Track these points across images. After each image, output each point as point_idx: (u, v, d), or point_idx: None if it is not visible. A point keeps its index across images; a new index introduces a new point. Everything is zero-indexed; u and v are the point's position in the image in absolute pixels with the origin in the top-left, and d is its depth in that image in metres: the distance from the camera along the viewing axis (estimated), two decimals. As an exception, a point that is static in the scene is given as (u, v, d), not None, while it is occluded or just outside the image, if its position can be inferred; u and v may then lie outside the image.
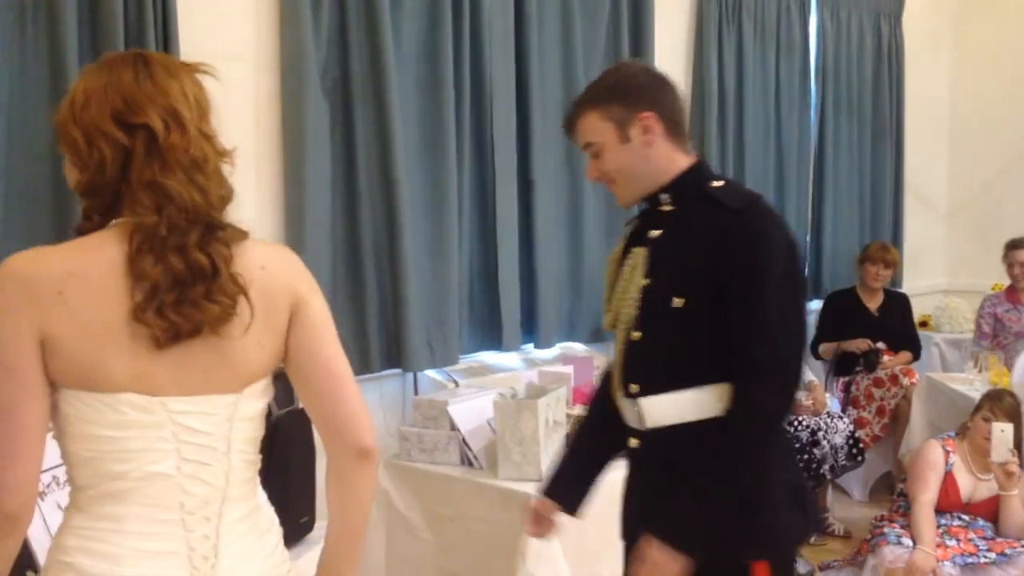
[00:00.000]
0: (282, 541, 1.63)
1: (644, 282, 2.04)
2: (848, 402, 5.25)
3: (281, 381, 2.52)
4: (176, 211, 1.40)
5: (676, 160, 2.07)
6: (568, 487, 2.26)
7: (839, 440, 4.56)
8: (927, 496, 3.80)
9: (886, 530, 3.85)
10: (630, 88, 2.05)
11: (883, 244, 5.63)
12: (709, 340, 1.96)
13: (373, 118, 3.70)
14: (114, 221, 1.42)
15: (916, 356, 5.47)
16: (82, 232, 1.44)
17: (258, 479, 1.59)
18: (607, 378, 2.25)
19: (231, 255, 1.45)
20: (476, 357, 4.24)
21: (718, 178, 2.09)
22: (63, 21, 2.96)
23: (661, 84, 2.09)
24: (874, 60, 6.15)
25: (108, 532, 1.42)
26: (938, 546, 3.68)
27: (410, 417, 3.64)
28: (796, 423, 4.53)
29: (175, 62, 1.48)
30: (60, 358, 1.37)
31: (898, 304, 5.61)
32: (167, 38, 3.16)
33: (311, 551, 2.56)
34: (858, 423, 5.05)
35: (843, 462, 4.60)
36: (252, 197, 3.54)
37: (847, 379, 5.33)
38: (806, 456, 4.20)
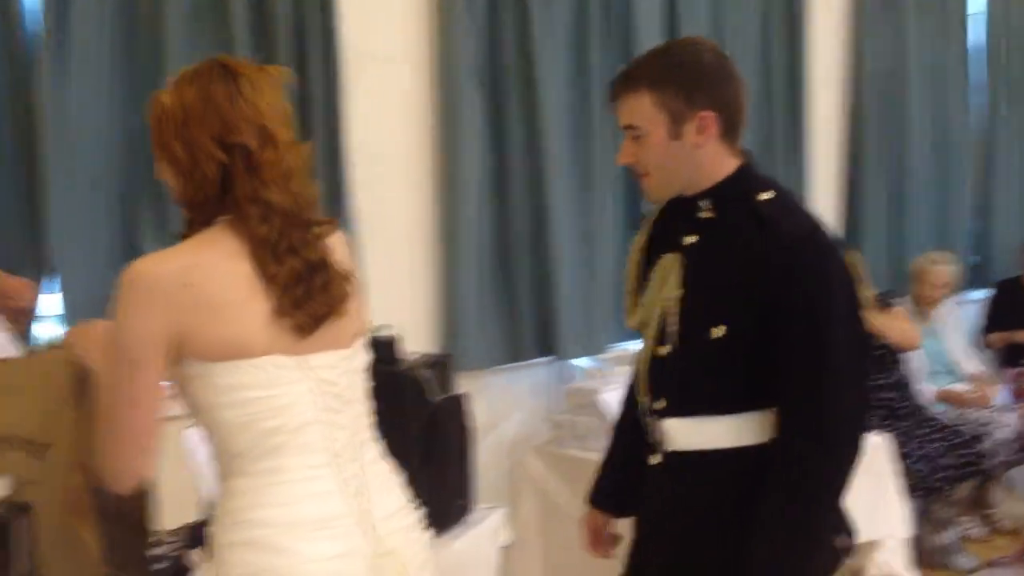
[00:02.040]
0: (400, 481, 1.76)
1: (677, 293, 1.87)
2: (1019, 394, 5.02)
3: (436, 368, 2.63)
4: (280, 219, 1.54)
5: (724, 163, 1.86)
6: (614, 491, 2.14)
7: (1006, 434, 4.38)
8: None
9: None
10: (695, 77, 1.81)
11: (1054, 231, 5.37)
12: (748, 370, 1.79)
13: (524, 111, 3.75)
14: (218, 219, 1.56)
15: (1090, 347, 5.20)
16: (186, 238, 1.58)
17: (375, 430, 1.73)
18: (635, 381, 2.06)
19: (329, 246, 1.63)
20: (623, 346, 4.26)
21: (767, 186, 1.87)
22: (232, 25, 3.12)
23: (729, 77, 1.85)
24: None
25: (272, 485, 1.55)
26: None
27: (562, 404, 3.69)
28: (962, 416, 4.38)
29: (257, 73, 1.59)
30: (203, 340, 1.49)
31: (1071, 292, 5.34)
32: (328, 40, 3.29)
33: (468, 532, 2.65)
34: (1029, 416, 4.84)
35: (1010, 457, 4.42)
36: (404, 193, 3.65)
37: (1017, 370, 5.10)
38: (970, 451, 4.05)
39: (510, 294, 3.81)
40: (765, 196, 1.84)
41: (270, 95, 1.58)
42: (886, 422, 4.05)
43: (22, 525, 1.56)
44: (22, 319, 2.53)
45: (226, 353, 1.51)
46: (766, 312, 1.75)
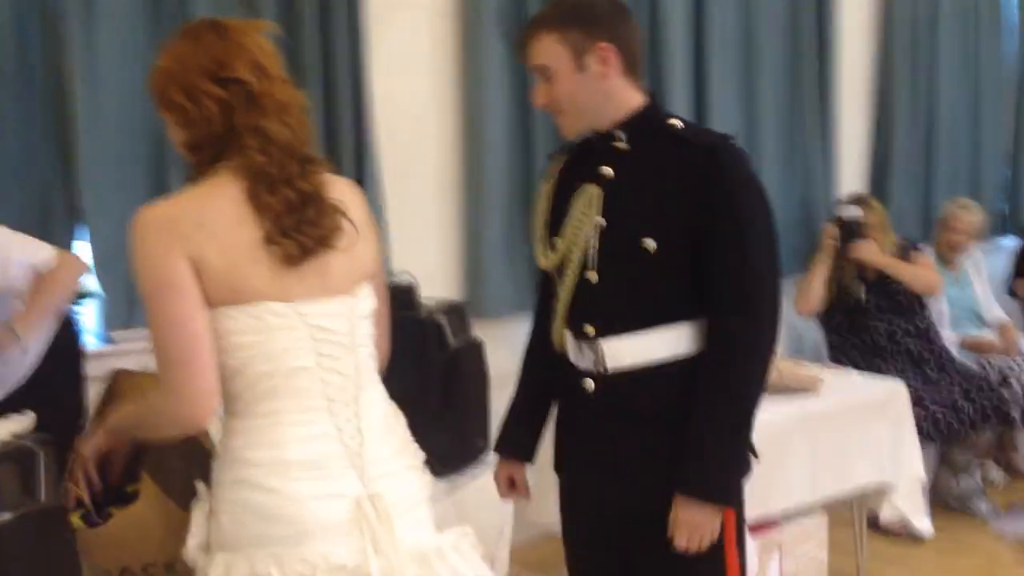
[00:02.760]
0: (404, 423, 1.81)
1: (600, 221, 1.98)
2: (1045, 343, 5.02)
3: (455, 315, 2.71)
4: (278, 150, 1.61)
5: (630, 97, 2.00)
6: (522, 436, 2.22)
7: (1031, 381, 4.39)
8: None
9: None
10: (591, 15, 1.96)
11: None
12: (678, 280, 1.95)
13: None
14: (222, 164, 1.63)
15: (1123, 295, 5.17)
16: (194, 182, 1.66)
17: (378, 375, 1.78)
18: (542, 320, 2.18)
19: (324, 182, 1.68)
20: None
21: (675, 117, 2.03)
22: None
23: (623, 15, 2.00)
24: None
25: (268, 426, 1.62)
26: None
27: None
28: (986, 363, 4.40)
29: (245, 23, 1.69)
30: (209, 278, 1.56)
31: (1103, 240, 5.31)
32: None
33: (487, 472, 2.74)
34: (1055, 364, 4.84)
35: (1034, 404, 4.44)
36: (429, 141, 3.71)
37: (1046, 318, 5.10)
38: (992, 397, 4.07)
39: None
40: (676, 121, 2.00)
41: (259, 38, 1.66)
42: (906, 367, 4.09)
43: (48, 455, 1.66)
44: None
45: (226, 297, 1.57)
46: (692, 217, 1.91)
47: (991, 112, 5.42)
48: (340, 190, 1.72)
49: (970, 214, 4.63)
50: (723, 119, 4.30)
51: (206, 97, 1.59)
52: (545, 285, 2.16)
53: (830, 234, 4.25)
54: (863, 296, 4.22)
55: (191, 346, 1.55)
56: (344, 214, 1.67)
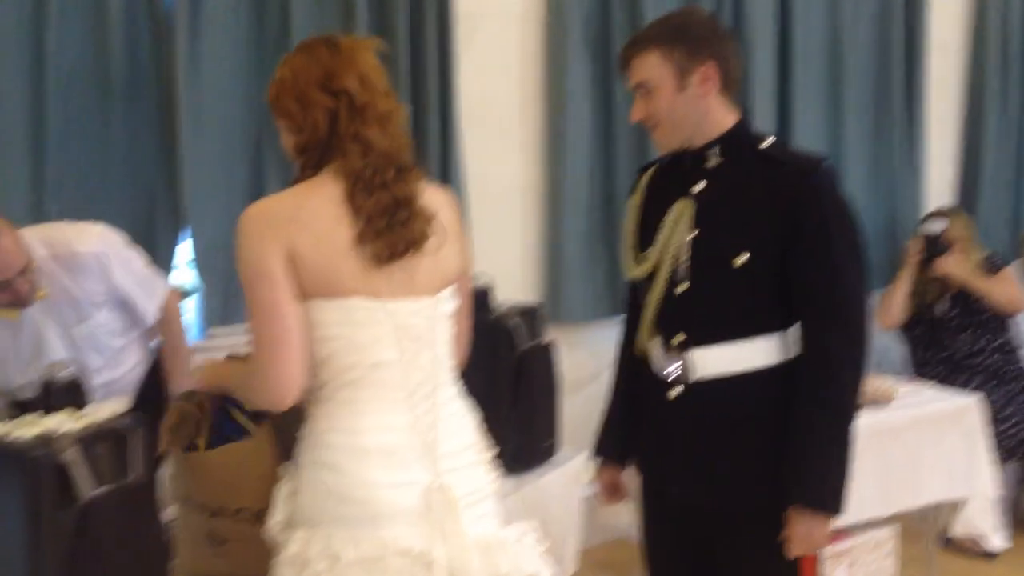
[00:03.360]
0: (477, 425, 1.90)
1: (691, 235, 2.06)
2: None
3: (528, 318, 2.80)
4: (376, 156, 1.74)
5: (725, 115, 2.07)
6: (620, 441, 2.29)
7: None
8: None
9: None
10: (694, 35, 2.04)
11: None
12: (766, 294, 2.02)
13: (631, 71, 3.86)
14: (325, 167, 1.76)
15: None
16: (299, 183, 1.80)
17: (454, 373, 1.88)
18: (631, 328, 2.26)
19: (418, 189, 1.79)
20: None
21: (766, 136, 2.10)
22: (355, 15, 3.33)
23: (724, 36, 2.09)
24: None
25: (349, 413, 1.73)
26: None
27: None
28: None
29: (355, 40, 1.83)
30: (304, 270, 1.69)
31: None
32: (445, 9, 3.48)
33: (554, 471, 2.84)
34: None
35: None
36: (516, 146, 3.83)
37: None
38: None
39: (613, 250, 3.94)
40: (767, 142, 2.08)
41: (367, 54, 1.80)
42: (989, 384, 4.04)
43: (138, 435, 1.81)
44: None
45: (318, 290, 1.69)
46: (783, 235, 2.00)
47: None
48: (432, 197, 1.83)
49: (1059, 230, 4.56)
50: (808, 134, 4.32)
51: (315, 105, 1.74)
52: (634, 294, 2.24)
53: (914, 248, 4.24)
54: (946, 311, 4.19)
55: (281, 333, 1.68)
56: (433, 220, 1.78)
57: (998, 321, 4.20)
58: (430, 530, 1.71)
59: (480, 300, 2.75)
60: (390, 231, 1.72)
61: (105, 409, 1.87)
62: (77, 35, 3.02)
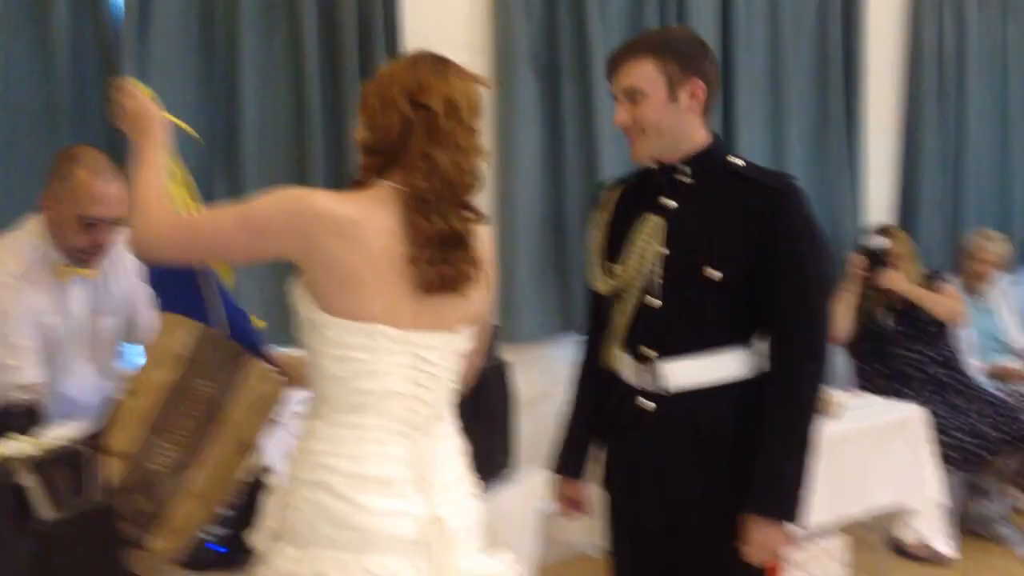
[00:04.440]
0: (469, 461, 1.92)
1: (663, 251, 2.09)
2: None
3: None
4: (440, 182, 1.72)
5: (701, 134, 2.11)
6: (579, 456, 2.31)
7: (1057, 409, 4.43)
8: None
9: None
10: (687, 51, 2.08)
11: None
12: (737, 309, 2.07)
13: (578, 94, 3.94)
14: (387, 182, 1.75)
15: None
16: (360, 186, 1.78)
17: (454, 408, 1.89)
18: (594, 343, 2.28)
19: (474, 232, 1.78)
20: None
21: (736, 156, 2.14)
22: (302, 18, 3.36)
23: (710, 56, 2.13)
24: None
25: (352, 439, 1.73)
26: None
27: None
28: (1011, 390, 4.44)
29: (465, 70, 1.80)
30: (340, 284, 1.69)
31: None
32: (392, 30, 3.52)
33: (509, 490, 2.85)
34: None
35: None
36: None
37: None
38: (1017, 424, 4.10)
39: (564, 270, 4.00)
40: (738, 160, 2.13)
41: (469, 86, 1.77)
42: (932, 395, 4.14)
43: (95, 457, 1.81)
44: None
45: (344, 310, 1.70)
46: (755, 252, 2.04)
47: (1019, 144, 5.47)
48: (482, 240, 1.82)
49: (995, 244, 4.69)
50: (750, 154, 4.38)
51: (394, 109, 1.72)
52: (598, 310, 2.26)
53: (857, 264, 4.33)
54: (890, 324, 4.29)
55: (200, 243, 1.74)
56: (480, 264, 1.79)
57: (940, 333, 4.31)
58: (422, 562, 1.72)
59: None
60: (442, 262, 1.71)
61: (62, 433, 1.86)
62: (23, 56, 3.00)
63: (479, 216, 1.80)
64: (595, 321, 2.29)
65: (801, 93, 4.64)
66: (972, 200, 5.25)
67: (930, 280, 4.35)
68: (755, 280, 2.05)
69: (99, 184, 2.43)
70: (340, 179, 3.45)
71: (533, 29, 3.87)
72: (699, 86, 2.06)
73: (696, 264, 2.06)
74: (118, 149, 3.08)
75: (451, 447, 1.84)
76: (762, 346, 2.11)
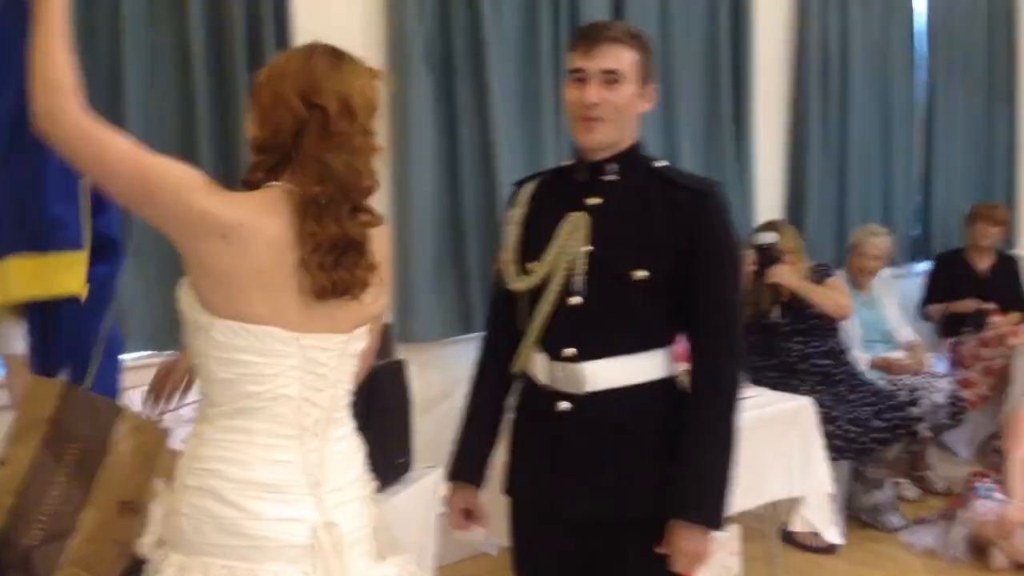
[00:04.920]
0: (362, 457, 1.89)
1: (587, 249, 2.08)
2: (956, 363, 5.24)
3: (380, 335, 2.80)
4: (334, 187, 1.66)
5: (633, 134, 2.14)
6: (476, 463, 2.27)
7: (939, 399, 4.59)
8: (1020, 452, 3.86)
9: (977, 485, 3.92)
10: (651, 56, 2.14)
11: (990, 203, 5.58)
12: (660, 309, 2.08)
13: (473, 91, 3.93)
14: (277, 183, 1.69)
15: (1027, 317, 5.42)
16: (249, 184, 1.72)
17: (349, 409, 1.86)
18: (498, 342, 2.25)
19: (370, 235, 1.74)
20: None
21: (657, 159, 2.17)
22: (190, 10, 3.28)
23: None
24: (987, 20, 6.02)
25: (239, 443, 1.69)
26: (1029, 501, 3.73)
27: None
28: (896, 382, 4.59)
29: (362, 66, 1.74)
30: (225, 286, 1.64)
31: (1009, 265, 5.55)
32: (282, 25, 3.46)
33: (407, 489, 2.84)
34: (965, 383, 5.05)
35: (943, 421, 4.64)
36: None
37: (955, 340, 5.32)
38: (900, 415, 4.25)
39: (461, 269, 4.00)
40: (661, 162, 2.16)
41: (366, 84, 1.71)
42: (819, 387, 4.25)
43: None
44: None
45: (231, 313, 1.64)
46: (679, 252, 2.05)
47: (902, 141, 5.66)
48: (379, 241, 1.78)
49: (879, 239, 4.84)
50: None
51: (286, 107, 1.65)
52: (504, 309, 2.21)
53: (747, 259, 4.41)
54: (778, 318, 4.39)
55: (89, 156, 1.63)
56: (377, 270, 1.74)
57: (827, 327, 4.42)
58: (313, 568, 1.68)
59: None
60: (336, 268, 1.67)
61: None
62: None
63: (375, 218, 1.75)
64: (498, 320, 2.25)
65: (690, 92, 4.71)
66: (857, 195, 5.41)
67: (817, 275, 4.46)
68: (677, 281, 2.06)
69: None
70: (228, 175, 3.37)
71: (427, 24, 3.84)
72: (654, 89, 2.13)
73: (621, 263, 2.06)
74: None
75: (345, 449, 1.81)
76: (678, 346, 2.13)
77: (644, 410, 2.09)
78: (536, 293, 2.11)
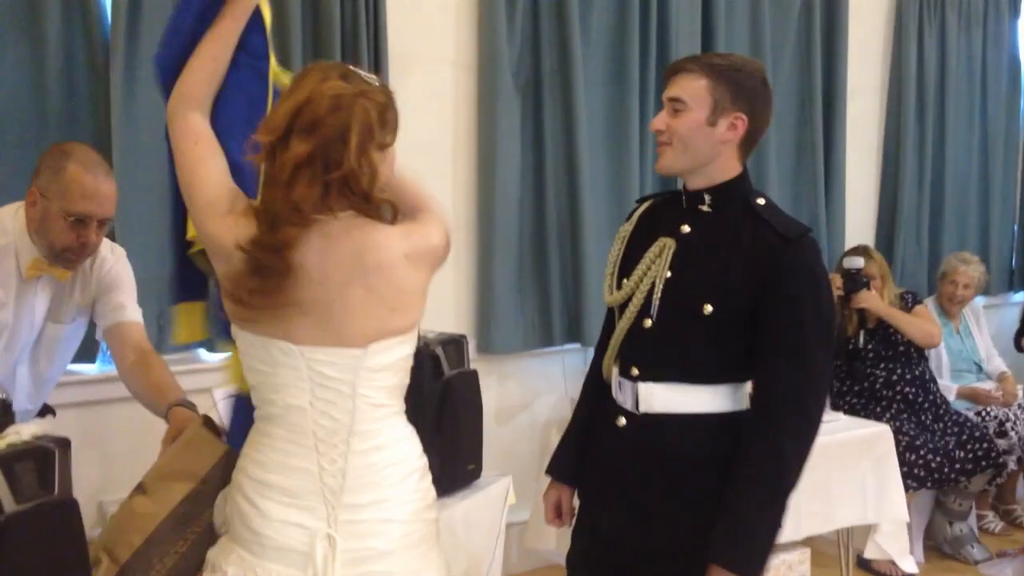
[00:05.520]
0: (417, 475, 1.87)
1: (667, 274, 2.09)
2: (1051, 396, 5.10)
3: (452, 347, 2.90)
4: (278, 205, 1.74)
5: (732, 167, 2.11)
6: (573, 462, 2.31)
7: (1028, 432, 4.49)
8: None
9: (1061, 522, 3.83)
10: (743, 84, 2.08)
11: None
12: (727, 347, 2.05)
13: (561, 111, 4.01)
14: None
15: None
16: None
17: (395, 420, 1.86)
18: (601, 353, 2.27)
19: (302, 237, 1.77)
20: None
21: (762, 195, 2.13)
22: (290, 28, 3.43)
23: (766, 97, 2.13)
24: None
25: (263, 445, 1.80)
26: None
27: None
28: (984, 413, 4.50)
29: (360, 100, 1.75)
30: (233, 303, 1.75)
31: (1110, 297, 5.40)
32: (377, 43, 3.60)
33: (475, 495, 2.92)
34: (1058, 417, 4.93)
35: (1031, 454, 4.54)
36: (449, 185, 3.93)
37: (1049, 372, 5.18)
38: (984, 446, 4.17)
39: (543, 283, 4.07)
40: (761, 200, 2.12)
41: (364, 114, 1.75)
42: (903, 414, 4.20)
43: (64, 454, 1.86)
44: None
45: (245, 324, 1.76)
46: (757, 298, 2.01)
47: (1000, 169, 5.55)
48: (385, 247, 1.77)
49: (970, 267, 4.75)
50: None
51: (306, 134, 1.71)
52: (607, 321, 2.29)
53: (834, 284, 4.39)
54: (864, 343, 4.35)
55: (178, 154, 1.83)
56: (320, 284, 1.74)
57: (913, 354, 4.37)
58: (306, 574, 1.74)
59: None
60: (250, 292, 1.72)
61: (28, 430, 1.92)
62: (14, 63, 3.07)
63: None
64: (604, 332, 2.31)
65: (780, 115, 4.70)
66: (953, 223, 5.33)
67: (906, 302, 4.41)
68: (752, 322, 2.02)
69: (90, 180, 2.39)
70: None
71: (517, 45, 3.94)
72: (741, 120, 2.07)
73: (693, 293, 2.06)
74: (107, 154, 3.17)
75: (374, 464, 1.80)
76: (748, 389, 2.09)
77: (697, 442, 2.07)
78: (621, 309, 2.16)
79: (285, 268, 1.71)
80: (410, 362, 1.88)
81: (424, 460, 1.91)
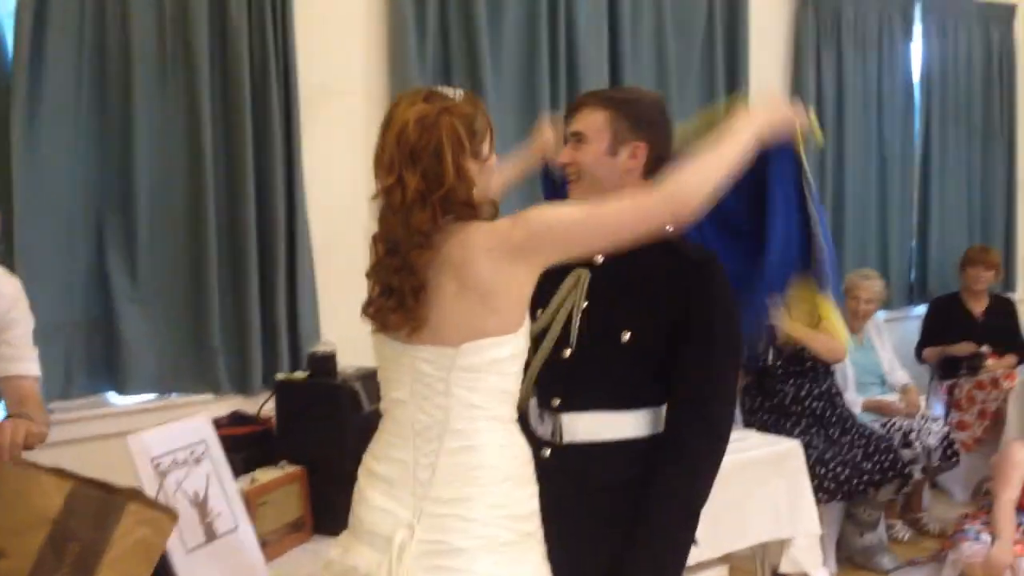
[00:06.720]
0: (511, 483, 1.89)
1: (584, 304, 2.14)
2: (952, 405, 5.30)
3: (370, 381, 2.88)
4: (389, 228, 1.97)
5: None
6: None
7: (933, 442, 4.64)
8: (1008, 494, 3.89)
9: (966, 527, 3.97)
10: (641, 114, 2.14)
11: (983, 247, 5.66)
12: (646, 372, 2.10)
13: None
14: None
15: (1022, 360, 5.47)
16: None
17: (494, 424, 1.89)
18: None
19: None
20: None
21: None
22: (197, 65, 3.42)
23: (666, 125, 2.19)
24: (983, 65, 6.13)
25: (378, 437, 1.97)
26: (1017, 543, 3.78)
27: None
28: (889, 425, 4.65)
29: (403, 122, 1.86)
30: None
31: (1004, 308, 5.63)
32: (287, 77, 3.61)
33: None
34: (960, 426, 5.12)
35: (937, 463, 4.69)
36: (357, 217, 3.84)
37: (951, 382, 5.38)
38: (891, 457, 4.30)
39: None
40: (669, 227, 2.15)
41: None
42: (811, 428, 4.33)
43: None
44: None
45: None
46: (672, 323, 2.07)
47: (898, 188, 5.75)
48: (462, 245, 1.84)
49: (871, 283, 4.92)
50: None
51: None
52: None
53: (741, 303, 4.49)
54: (772, 361, 4.46)
55: None
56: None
57: (820, 369, 4.49)
58: (383, 561, 1.82)
59: (325, 365, 2.85)
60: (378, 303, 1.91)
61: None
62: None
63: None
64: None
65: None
66: (853, 240, 5.50)
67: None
68: (667, 349, 2.08)
69: None
70: (234, 233, 3.51)
71: (427, 74, 3.97)
72: (641, 148, 2.12)
73: (610, 322, 2.10)
74: (6, 204, 3.11)
75: (463, 463, 1.85)
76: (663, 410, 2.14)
77: (620, 467, 2.10)
78: (537, 340, 2.17)
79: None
80: (513, 366, 1.91)
81: (529, 470, 1.95)
